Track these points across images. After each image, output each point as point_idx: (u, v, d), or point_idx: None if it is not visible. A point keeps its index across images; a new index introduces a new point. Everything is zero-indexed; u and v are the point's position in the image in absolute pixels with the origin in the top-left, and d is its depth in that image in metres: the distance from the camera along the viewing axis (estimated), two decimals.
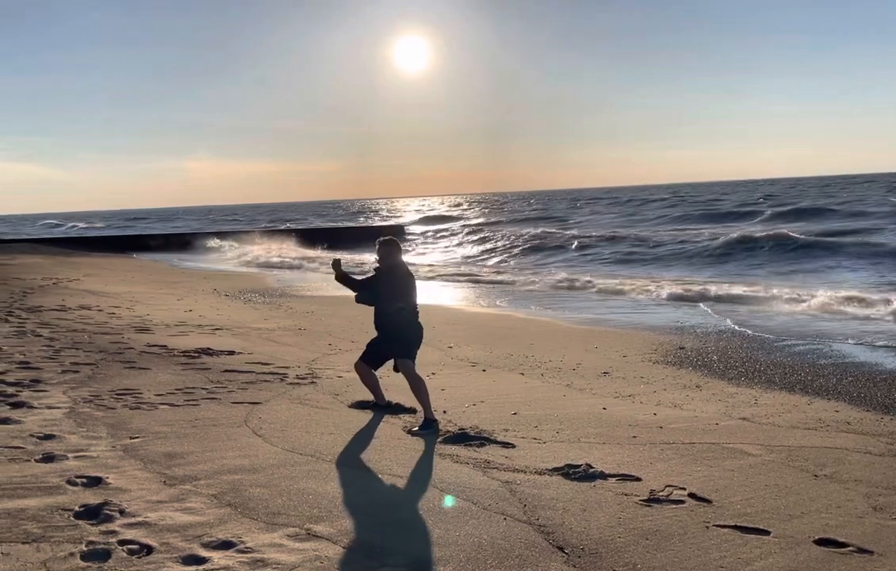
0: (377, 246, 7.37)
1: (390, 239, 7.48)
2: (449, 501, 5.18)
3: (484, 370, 10.03)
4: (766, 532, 4.53)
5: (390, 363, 7.31)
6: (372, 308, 7.32)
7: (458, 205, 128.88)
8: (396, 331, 7.16)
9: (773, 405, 8.23)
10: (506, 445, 6.32)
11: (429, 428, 6.70)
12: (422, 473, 5.49)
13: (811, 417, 7.69)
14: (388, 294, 7.14)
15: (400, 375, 7.22)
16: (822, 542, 4.42)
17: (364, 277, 7.54)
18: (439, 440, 6.42)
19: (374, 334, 7.42)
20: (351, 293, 7.44)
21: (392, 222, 78.68)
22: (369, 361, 7.47)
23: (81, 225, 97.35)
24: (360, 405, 7.61)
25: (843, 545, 4.39)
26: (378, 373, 7.56)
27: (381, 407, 7.51)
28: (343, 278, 7.42)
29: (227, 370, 9.10)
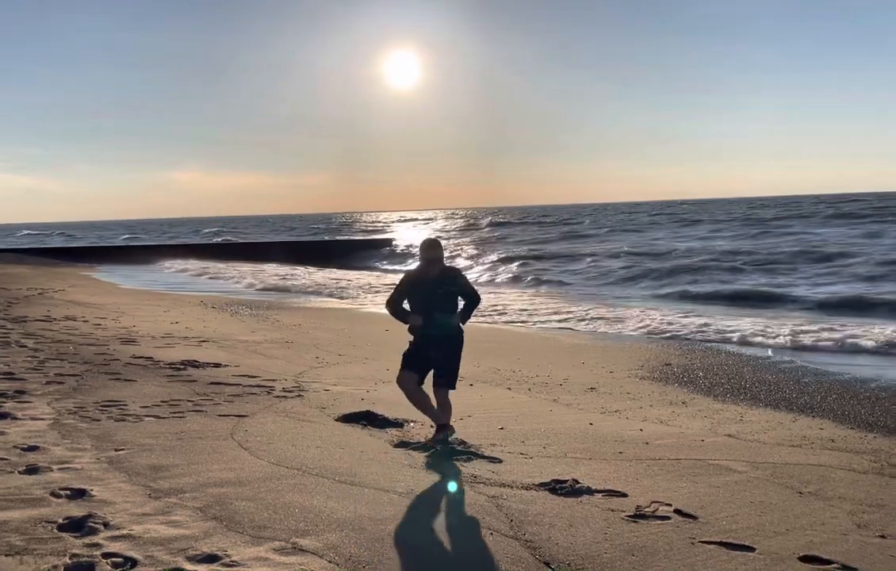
0: (420, 249, 6.93)
1: (432, 240, 6.99)
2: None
3: (471, 385, 10.03)
4: (752, 549, 4.54)
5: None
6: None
7: (451, 217, 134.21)
8: (445, 348, 6.79)
9: (759, 422, 8.27)
10: (493, 460, 6.32)
11: (444, 433, 6.66)
12: (408, 487, 5.47)
13: (796, 434, 7.74)
14: (431, 304, 6.73)
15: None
16: (806, 559, 4.44)
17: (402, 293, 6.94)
18: (426, 455, 6.41)
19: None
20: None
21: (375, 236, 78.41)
22: (415, 368, 6.79)
23: None
24: (347, 419, 7.59)
25: (827, 562, 4.41)
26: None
27: (443, 428, 6.73)
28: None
29: (213, 383, 9.06)
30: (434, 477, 5.78)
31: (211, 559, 4.03)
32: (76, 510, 4.59)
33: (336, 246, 57.75)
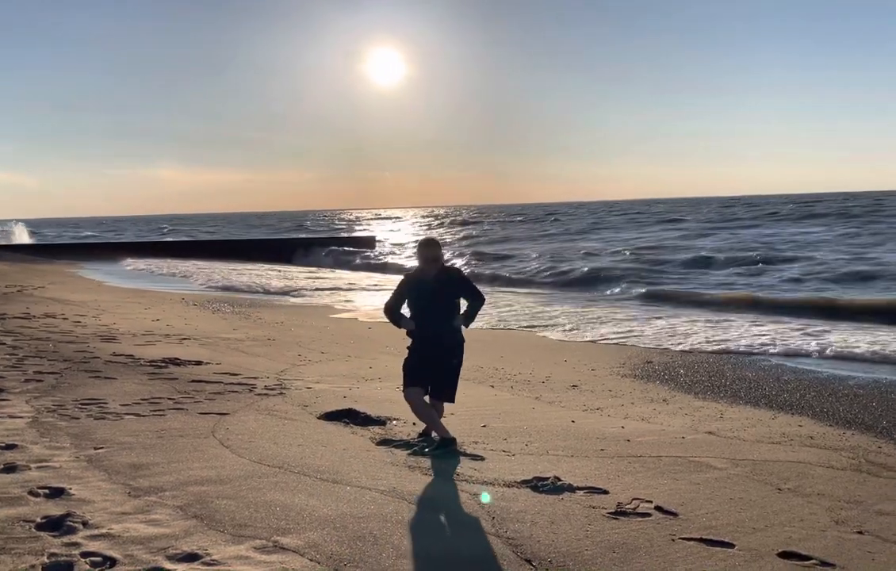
0: (418, 249, 6.71)
1: (430, 239, 6.79)
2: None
3: None
4: (731, 546, 4.58)
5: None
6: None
7: (426, 215, 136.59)
8: (444, 354, 6.56)
9: (739, 420, 8.34)
10: (475, 457, 6.33)
11: (449, 445, 6.45)
12: (390, 485, 5.47)
13: (775, 431, 7.80)
14: (430, 306, 6.54)
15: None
16: (785, 555, 4.48)
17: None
18: (408, 452, 6.41)
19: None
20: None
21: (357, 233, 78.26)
22: (420, 382, 6.55)
23: None
24: (329, 417, 7.57)
25: (805, 558, 4.46)
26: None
27: (449, 441, 6.45)
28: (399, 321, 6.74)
29: (194, 381, 9.00)
30: (416, 475, 5.78)
31: (191, 558, 4.00)
32: (55, 508, 4.55)
33: (307, 243, 56.38)
